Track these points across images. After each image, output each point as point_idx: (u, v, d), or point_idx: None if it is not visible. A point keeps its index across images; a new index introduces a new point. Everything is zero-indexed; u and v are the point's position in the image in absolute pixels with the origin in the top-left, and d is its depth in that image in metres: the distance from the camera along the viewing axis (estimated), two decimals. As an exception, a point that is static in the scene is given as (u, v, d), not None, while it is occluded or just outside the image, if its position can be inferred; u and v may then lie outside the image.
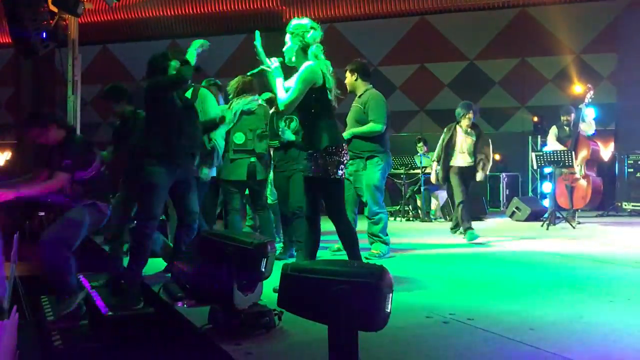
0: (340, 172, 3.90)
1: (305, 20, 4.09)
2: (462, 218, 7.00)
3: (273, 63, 4.05)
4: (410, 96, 12.71)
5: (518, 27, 11.83)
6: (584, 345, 2.82)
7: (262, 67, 4.13)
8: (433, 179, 7.71)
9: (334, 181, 3.90)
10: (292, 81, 3.95)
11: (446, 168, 7.30)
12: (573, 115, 8.69)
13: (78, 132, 8.69)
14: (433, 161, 7.69)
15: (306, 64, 3.92)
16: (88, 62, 12.37)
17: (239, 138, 5.39)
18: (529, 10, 11.84)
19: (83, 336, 3.57)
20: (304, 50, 4.01)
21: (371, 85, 6.03)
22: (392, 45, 12.71)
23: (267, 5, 12.82)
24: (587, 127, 8.73)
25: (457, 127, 7.47)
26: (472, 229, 6.89)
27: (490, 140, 7.54)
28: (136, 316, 3.68)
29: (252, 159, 5.39)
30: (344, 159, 3.91)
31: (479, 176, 7.26)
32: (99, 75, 12.57)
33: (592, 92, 8.62)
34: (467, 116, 7.32)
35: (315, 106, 3.91)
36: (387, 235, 5.77)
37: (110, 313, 3.70)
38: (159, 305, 3.78)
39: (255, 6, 12.90)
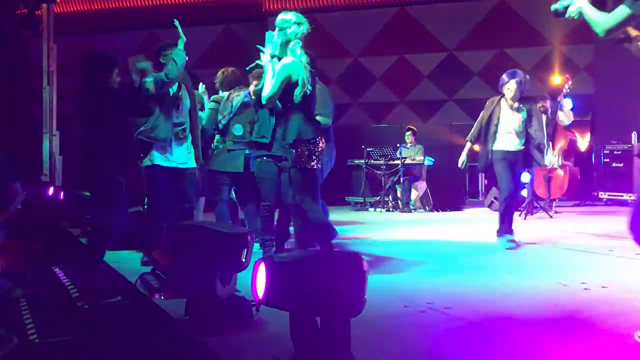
0: (313, 162, 4.11)
1: (291, 15, 4.17)
2: (502, 218, 5.70)
3: (265, 58, 4.17)
4: (390, 87, 12.73)
5: (497, 18, 11.88)
6: (557, 335, 2.86)
7: (257, 62, 4.29)
8: (461, 162, 6.04)
9: (307, 170, 4.11)
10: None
11: (486, 153, 5.73)
12: (549, 101, 8.74)
13: (55, 124, 8.59)
14: (467, 141, 6.05)
15: (284, 60, 4.09)
16: (64, 53, 12.16)
17: (238, 130, 5.37)
18: (508, 1, 11.91)
19: (60, 328, 3.53)
20: (286, 44, 4.14)
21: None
22: (372, 37, 12.69)
23: (246, -5, 12.74)
24: (565, 117, 8.81)
25: (502, 101, 5.77)
26: (509, 233, 5.64)
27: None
28: (112, 308, 3.65)
29: (248, 151, 5.37)
30: (318, 149, 4.11)
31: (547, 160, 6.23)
32: (75, 66, 12.38)
33: (570, 82, 8.70)
34: (507, 87, 5.69)
35: (291, 100, 4.10)
36: None
37: (85, 305, 3.65)
38: (135, 298, 3.74)
39: (235, -4, 12.82)
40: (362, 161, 10.21)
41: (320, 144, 4.17)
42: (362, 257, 2.20)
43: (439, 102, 12.59)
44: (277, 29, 4.18)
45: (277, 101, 4.20)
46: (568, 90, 8.71)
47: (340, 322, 2.02)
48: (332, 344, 2.11)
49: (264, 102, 4.21)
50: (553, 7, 3.01)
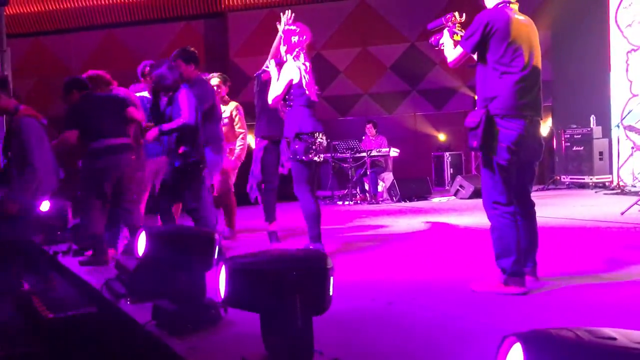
0: (310, 155, 4.66)
1: (295, 26, 4.85)
2: None
3: (270, 64, 4.91)
4: (354, 80, 12.76)
5: (458, 7, 11.96)
6: (520, 314, 2.91)
7: (264, 68, 5.24)
8: None
9: (301, 162, 4.67)
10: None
11: None
12: None
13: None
14: None
15: (286, 64, 4.75)
16: (19, 56, 11.86)
17: None
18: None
19: (25, 340, 3.46)
20: (289, 51, 4.77)
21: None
22: (333, 30, 12.69)
23: (206, -9, 12.58)
24: None
25: None
26: None
27: None
28: (78, 317, 3.59)
29: None
30: (314, 145, 4.67)
31: None
32: (31, 68, 12.10)
33: None
34: None
35: (293, 100, 4.71)
36: None
37: (50, 315, 3.59)
38: (101, 304, 3.69)
39: (194, -8, 12.65)
40: (329, 155, 10.22)
41: (319, 139, 4.70)
42: (326, 255, 2.20)
43: (402, 94, 12.67)
44: (282, 37, 4.84)
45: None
46: None
47: (304, 320, 2.02)
48: (300, 342, 2.10)
49: (269, 102, 4.85)
50: (430, 26, 3.86)
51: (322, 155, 4.81)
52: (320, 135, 4.73)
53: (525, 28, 3.46)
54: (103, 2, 12.81)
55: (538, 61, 3.49)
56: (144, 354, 2.93)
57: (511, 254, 3.32)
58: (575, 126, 10.47)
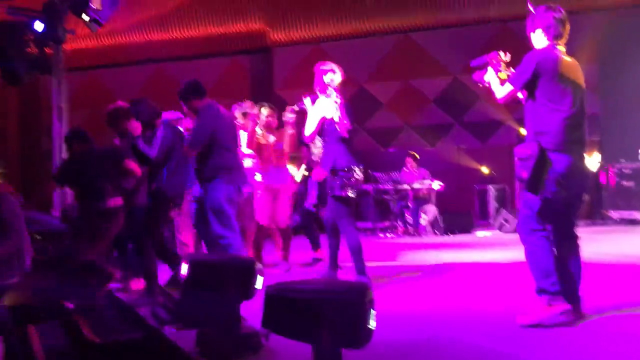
0: (345, 191, 4.74)
1: (327, 65, 5.01)
2: None
3: (306, 101, 5.07)
4: (396, 112, 12.80)
5: (500, 42, 11.92)
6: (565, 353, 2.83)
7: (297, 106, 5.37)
8: None
9: (338, 198, 4.76)
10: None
11: None
12: None
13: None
14: None
15: (319, 101, 4.94)
16: (74, 88, 12.36)
17: None
18: (509, 25, 11.99)
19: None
20: (322, 90, 4.94)
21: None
22: (376, 63, 12.81)
23: (252, 27, 12.90)
24: None
25: None
26: None
27: None
28: (124, 342, 3.65)
29: None
30: (350, 179, 4.75)
31: None
32: (85, 101, 12.58)
33: None
34: None
35: (327, 135, 4.90)
36: None
37: (97, 340, 3.66)
38: (146, 330, 3.75)
39: (240, 29, 12.98)
40: (370, 186, 10.22)
41: (355, 174, 4.78)
42: (366, 287, 2.18)
43: (445, 126, 12.63)
44: (316, 76, 4.97)
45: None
46: None
47: (338, 353, 2.01)
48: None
49: (305, 139, 5.13)
50: (473, 63, 4.04)
51: (356, 190, 4.84)
52: (357, 170, 4.80)
53: (573, 68, 3.62)
54: (153, 38, 13.28)
55: (584, 100, 3.62)
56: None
57: (550, 275, 3.40)
58: (624, 161, 10.21)
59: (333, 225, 4.89)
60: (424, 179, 10.14)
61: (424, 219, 10.09)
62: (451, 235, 9.56)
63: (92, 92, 13.38)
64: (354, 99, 12.81)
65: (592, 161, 11.26)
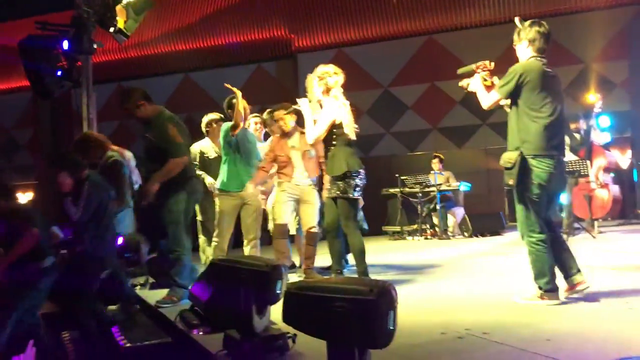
0: (356, 193, 4.78)
1: (330, 67, 4.92)
2: None
3: (302, 102, 4.98)
4: (422, 115, 12.74)
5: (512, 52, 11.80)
6: (601, 354, 2.79)
7: (293, 107, 5.22)
8: None
9: (350, 200, 4.77)
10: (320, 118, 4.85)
11: None
12: (582, 121, 8.64)
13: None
14: None
15: (327, 105, 4.83)
16: (104, 100, 12.61)
17: None
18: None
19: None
20: (327, 91, 4.86)
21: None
22: (401, 66, 12.77)
23: (276, 34, 13.02)
24: (598, 136, 8.74)
25: None
26: None
27: None
28: (153, 346, 3.72)
29: None
30: (360, 182, 4.80)
31: None
32: (115, 112, 12.82)
33: (600, 101, 8.71)
34: None
35: (335, 139, 4.81)
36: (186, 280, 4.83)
37: (127, 344, 3.74)
38: (175, 334, 3.81)
39: (265, 36, 13.10)
40: (397, 190, 10.19)
41: (360, 177, 4.80)
42: (392, 285, 2.18)
43: (472, 127, 12.52)
44: (318, 78, 4.89)
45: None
46: (600, 109, 8.67)
47: (356, 352, 2.01)
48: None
49: (310, 141, 5.04)
50: (460, 71, 4.46)
51: (361, 192, 4.90)
52: (363, 172, 4.86)
53: (553, 80, 3.99)
54: (179, 48, 13.49)
55: (563, 108, 4.00)
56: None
57: (545, 275, 3.91)
58: (657, 157, 9.99)
59: (338, 227, 4.88)
60: (448, 180, 10.05)
61: (451, 221, 10.01)
62: (480, 237, 9.46)
63: (121, 103, 13.62)
64: (379, 103, 12.81)
65: (624, 158, 11.04)
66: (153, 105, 5.10)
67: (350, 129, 4.81)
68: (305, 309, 2.13)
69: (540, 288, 3.93)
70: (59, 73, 7.32)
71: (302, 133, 5.35)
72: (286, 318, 2.23)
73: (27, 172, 14.36)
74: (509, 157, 3.94)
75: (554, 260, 3.97)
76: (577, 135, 8.69)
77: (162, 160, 4.83)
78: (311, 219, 5.51)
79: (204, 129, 6.47)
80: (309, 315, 2.12)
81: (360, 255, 4.78)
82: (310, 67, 5.18)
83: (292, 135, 5.60)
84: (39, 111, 14.43)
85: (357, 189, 4.78)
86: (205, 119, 6.47)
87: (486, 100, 4.14)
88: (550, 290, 3.90)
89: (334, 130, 4.81)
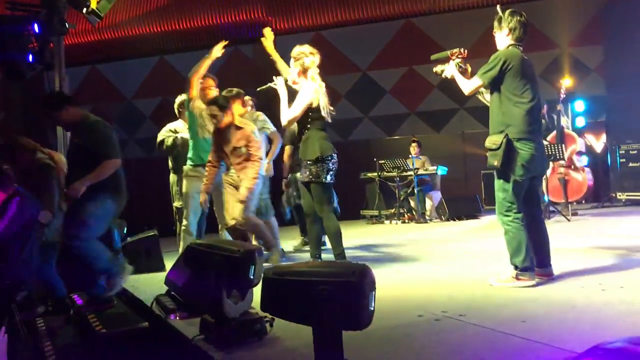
0: (329, 177, 4.73)
1: (305, 47, 4.82)
2: None
3: (278, 81, 4.88)
4: (400, 99, 12.74)
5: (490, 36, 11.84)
6: (575, 334, 2.82)
7: (269, 84, 4.98)
8: None
9: (323, 184, 4.71)
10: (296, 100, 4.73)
11: None
12: (546, 107, 8.71)
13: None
14: None
15: (305, 86, 4.73)
16: (77, 83, 12.37)
17: None
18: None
19: (79, 354, 3.57)
20: (303, 72, 4.78)
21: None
22: (379, 50, 12.74)
23: (254, 16, 12.86)
24: (567, 122, 8.96)
25: None
26: None
27: None
28: (130, 331, 3.68)
29: None
30: (333, 166, 4.74)
31: None
32: (88, 95, 12.60)
33: (563, 88, 9.02)
34: None
35: (310, 122, 4.73)
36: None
37: (103, 330, 3.69)
38: (152, 319, 3.78)
39: (243, 17, 12.94)
40: (375, 174, 10.20)
41: (333, 161, 4.74)
42: (366, 270, 2.17)
43: (450, 112, 12.56)
44: (293, 59, 4.81)
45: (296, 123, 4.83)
46: (563, 95, 8.87)
47: (337, 334, 2.01)
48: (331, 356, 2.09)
49: (284, 123, 4.86)
50: (433, 57, 4.55)
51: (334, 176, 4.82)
52: (336, 156, 4.79)
53: (530, 67, 4.13)
54: (154, 30, 13.25)
55: (539, 94, 4.16)
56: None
57: (520, 253, 3.99)
58: (630, 141, 10.13)
59: (314, 211, 4.82)
60: (427, 165, 10.09)
61: (428, 205, 10.07)
62: (457, 221, 9.53)
63: (94, 87, 13.38)
64: (358, 86, 12.78)
65: (599, 143, 11.20)
66: (78, 109, 4.76)
67: (327, 112, 4.73)
68: (286, 294, 2.10)
69: (516, 267, 4.00)
70: (30, 56, 7.16)
71: (238, 128, 5.17)
72: (265, 306, 2.20)
73: (-2, 156, 14.06)
74: (494, 140, 4.02)
75: (529, 240, 4.05)
76: (542, 122, 8.79)
77: (90, 165, 4.40)
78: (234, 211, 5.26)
79: (176, 110, 6.41)
80: (291, 300, 2.10)
81: (337, 238, 4.73)
82: (288, 50, 5.08)
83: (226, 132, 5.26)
84: (10, 94, 14.09)
85: (330, 173, 4.72)
86: (178, 99, 6.40)
87: (467, 86, 4.25)
88: (525, 269, 3.98)
89: (310, 113, 4.71)
